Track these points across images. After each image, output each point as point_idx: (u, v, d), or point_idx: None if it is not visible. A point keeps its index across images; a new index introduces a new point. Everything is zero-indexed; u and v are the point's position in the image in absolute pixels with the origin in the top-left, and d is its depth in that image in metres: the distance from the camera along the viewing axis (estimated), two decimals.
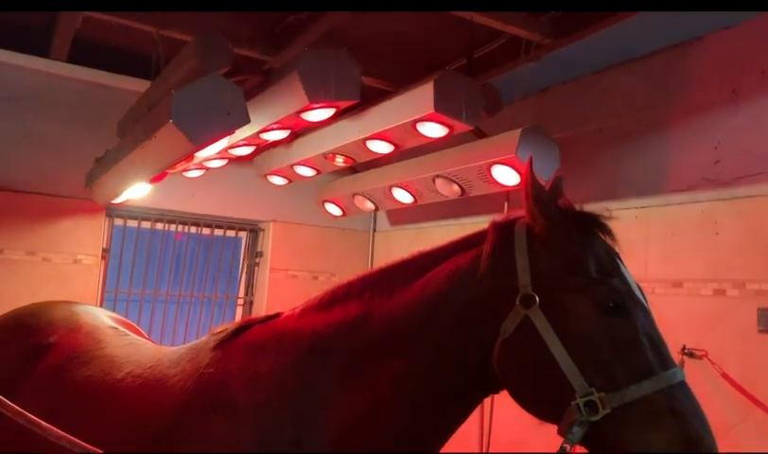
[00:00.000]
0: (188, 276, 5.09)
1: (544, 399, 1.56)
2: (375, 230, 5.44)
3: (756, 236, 2.77)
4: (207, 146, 2.31)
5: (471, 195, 3.41)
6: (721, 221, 2.90)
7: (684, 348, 2.91)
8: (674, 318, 3.02)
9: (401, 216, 5.08)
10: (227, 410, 1.88)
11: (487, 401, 3.53)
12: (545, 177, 2.97)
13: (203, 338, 2.19)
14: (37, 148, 4.17)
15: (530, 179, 1.66)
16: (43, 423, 1.48)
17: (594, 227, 1.66)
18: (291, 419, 1.80)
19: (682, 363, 2.88)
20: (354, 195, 4.18)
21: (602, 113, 3.54)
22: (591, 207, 3.16)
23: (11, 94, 4.08)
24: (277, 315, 2.07)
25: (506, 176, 3.04)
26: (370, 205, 4.19)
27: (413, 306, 1.74)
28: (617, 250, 1.65)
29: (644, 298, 1.61)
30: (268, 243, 5.14)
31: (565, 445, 1.45)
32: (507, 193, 3.52)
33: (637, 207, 3.29)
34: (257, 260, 5.24)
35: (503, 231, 1.70)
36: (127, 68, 4.25)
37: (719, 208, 2.92)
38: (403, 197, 3.81)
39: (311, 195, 4.82)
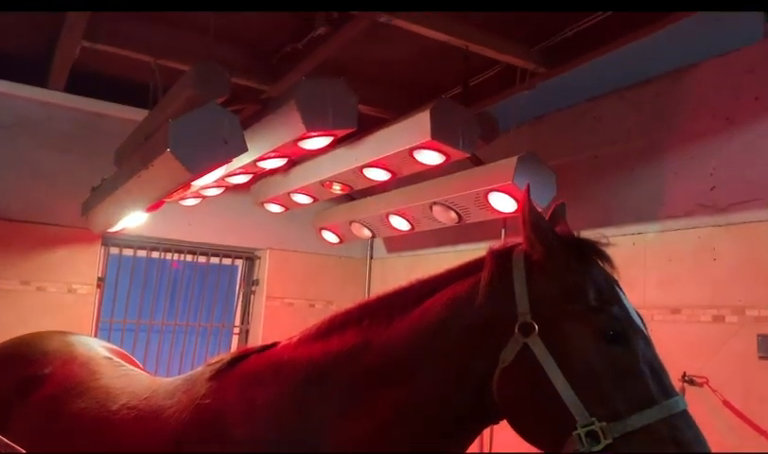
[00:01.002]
0: (184, 305, 5.05)
1: (544, 429, 1.54)
2: (371, 257, 5.43)
3: (754, 262, 2.77)
4: (205, 174, 2.31)
5: (468, 222, 3.41)
6: (718, 247, 2.90)
7: (684, 375, 2.89)
8: (674, 345, 3.01)
9: (398, 243, 5.07)
10: (224, 441, 1.85)
11: (486, 430, 3.51)
12: (542, 204, 2.98)
13: (199, 368, 2.16)
14: (33, 176, 4.17)
15: (527, 206, 1.65)
16: None
17: (592, 254, 1.65)
18: (290, 450, 1.77)
19: (683, 390, 2.86)
20: (351, 222, 4.18)
21: (596, 141, 3.56)
22: (588, 234, 3.15)
23: (8, 122, 4.09)
24: (274, 344, 2.05)
25: (503, 203, 3.04)
26: (367, 233, 4.18)
27: (412, 335, 1.72)
28: (615, 277, 1.64)
29: (644, 326, 1.60)
30: (264, 271, 5.12)
31: None
32: (504, 220, 3.52)
33: (634, 233, 3.29)
34: (253, 288, 5.21)
35: (501, 258, 1.69)
36: (124, 97, 4.27)
37: (716, 234, 2.92)
38: (400, 224, 3.80)
39: (308, 222, 4.81)
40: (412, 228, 3.80)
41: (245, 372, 2.00)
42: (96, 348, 2.71)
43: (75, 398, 2.30)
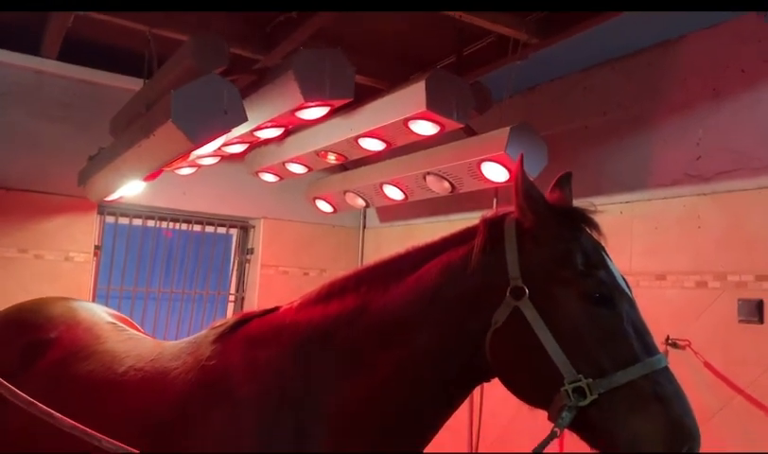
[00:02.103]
0: (180, 273, 5.12)
1: (534, 386, 1.64)
2: (364, 227, 5.51)
3: (736, 230, 2.87)
4: (205, 144, 2.35)
5: (461, 191, 3.48)
6: (703, 216, 3.00)
7: (668, 338, 3.01)
8: (658, 309, 3.12)
9: (391, 213, 5.15)
10: (228, 400, 1.94)
11: (477, 389, 3.63)
12: (533, 173, 3.06)
13: (203, 332, 2.24)
14: (28, 145, 4.18)
15: (520, 175, 1.73)
16: (56, 413, 1.53)
17: (581, 222, 1.73)
18: (291, 408, 1.86)
19: (666, 353, 2.97)
20: (345, 192, 4.24)
21: (587, 111, 3.63)
22: (578, 203, 3.25)
23: (1, 90, 4.09)
24: (275, 309, 2.13)
25: (495, 173, 3.11)
26: (361, 202, 4.25)
27: (408, 300, 1.81)
28: (603, 243, 1.73)
29: (629, 289, 1.69)
30: (258, 240, 5.19)
31: (555, 430, 1.53)
32: (496, 189, 3.59)
33: (622, 202, 3.38)
34: (248, 257, 5.28)
35: (494, 226, 1.77)
36: (118, 66, 4.27)
37: (701, 203, 3.01)
38: (394, 193, 3.87)
39: (301, 192, 4.86)
40: (406, 198, 3.87)
41: (248, 334, 2.08)
42: (99, 313, 2.78)
43: (81, 361, 2.37)
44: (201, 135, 2.22)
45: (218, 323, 2.22)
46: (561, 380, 1.54)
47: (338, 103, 2.67)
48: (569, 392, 1.52)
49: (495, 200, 3.70)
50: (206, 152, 2.93)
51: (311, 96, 2.48)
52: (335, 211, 4.64)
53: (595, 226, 1.76)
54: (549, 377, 1.56)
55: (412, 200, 3.93)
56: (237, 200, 5.05)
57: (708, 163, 3.00)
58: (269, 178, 4.39)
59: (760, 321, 2.72)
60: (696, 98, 3.08)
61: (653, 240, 3.21)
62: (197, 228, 5.10)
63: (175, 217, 4.94)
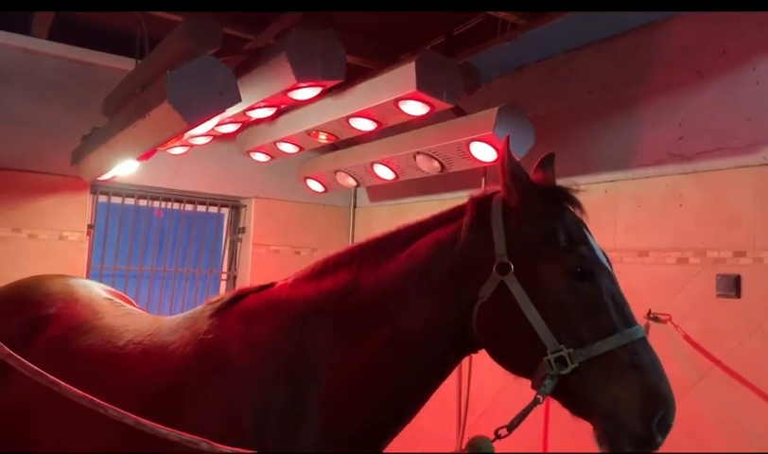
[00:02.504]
0: (172, 252, 5.17)
1: (518, 356, 1.72)
2: (355, 206, 5.57)
3: (715, 208, 2.96)
4: (200, 124, 2.41)
5: (450, 171, 3.55)
6: (684, 194, 3.09)
7: (649, 312, 3.11)
8: (641, 285, 3.22)
9: (381, 192, 5.21)
10: (225, 372, 2.01)
11: (465, 362, 3.73)
12: (520, 154, 3.13)
13: (200, 307, 2.31)
14: (20, 125, 4.18)
15: (506, 155, 1.82)
16: (62, 383, 1.59)
17: (564, 200, 1.81)
18: (286, 380, 1.94)
19: (647, 327, 3.07)
20: (336, 171, 4.30)
21: (574, 92, 3.69)
22: (561, 182, 3.35)
23: None
24: (271, 285, 2.21)
25: (484, 152, 3.18)
26: (352, 182, 4.31)
27: (399, 276, 1.89)
28: (585, 221, 1.81)
29: (609, 264, 1.78)
30: (250, 219, 5.24)
31: (538, 397, 1.62)
32: (484, 169, 3.66)
33: (607, 181, 3.47)
34: (240, 236, 5.34)
35: (481, 205, 1.86)
36: (109, 46, 4.28)
37: (682, 182, 3.10)
38: (384, 173, 3.93)
39: (293, 172, 4.91)
40: (397, 177, 3.93)
41: (244, 309, 2.16)
42: (96, 290, 2.84)
43: (81, 336, 2.43)
44: (197, 115, 2.27)
45: (214, 299, 2.29)
46: (544, 350, 1.63)
47: (329, 84, 2.72)
48: (551, 361, 1.61)
49: (483, 180, 3.77)
50: (200, 132, 2.98)
51: (303, 76, 2.53)
52: (326, 190, 4.70)
53: (578, 204, 1.84)
54: (532, 348, 1.65)
55: (402, 180, 4.00)
56: (229, 180, 5.09)
57: (690, 143, 3.09)
58: (260, 157, 4.44)
59: (737, 295, 2.83)
60: (680, 80, 3.16)
61: (636, 218, 3.30)
62: (189, 207, 5.14)
63: (167, 196, 4.99)
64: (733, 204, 2.89)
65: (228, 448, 1.60)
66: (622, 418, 1.55)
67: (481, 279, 1.75)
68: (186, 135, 3.04)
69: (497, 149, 3.11)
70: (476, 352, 1.89)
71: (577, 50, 3.78)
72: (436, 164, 3.49)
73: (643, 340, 1.65)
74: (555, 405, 1.70)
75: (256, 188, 5.20)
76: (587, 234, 1.78)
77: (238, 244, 5.35)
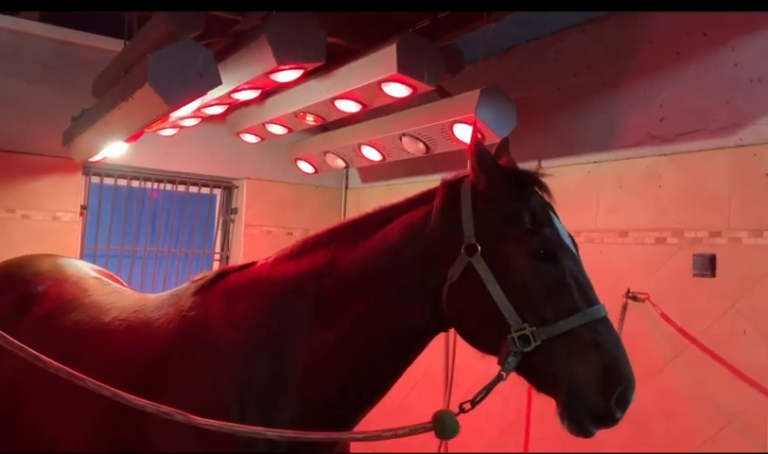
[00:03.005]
0: (165, 232, 5.23)
1: (484, 334, 1.79)
2: (347, 187, 5.62)
3: (693, 188, 3.01)
4: (182, 106, 2.45)
5: (435, 152, 3.59)
6: (663, 175, 3.14)
7: (628, 292, 3.17)
8: (620, 264, 3.28)
9: (372, 173, 5.26)
10: (207, 348, 2.08)
11: (450, 345, 3.79)
12: (503, 134, 3.17)
13: (184, 285, 2.38)
14: (11, 107, 4.22)
15: (474, 141, 1.87)
16: (43, 356, 1.66)
17: (531, 183, 1.87)
18: (266, 355, 2.01)
19: (626, 305, 3.14)
20: (325, 153, 4.34)
21: (560, 73, 3.72)
22: (548, 163, 3.42)
23: None
24: (252, 264, 2.27)
25: (467, 134, 3.22)
26: (340, 163, 4.35)
27: (374, 256, 1.95)
28: (551, 204, 1.86)
29: (575, 246, 1.83)
30: (242, 200, 5.29)
31: (501, 373, 1.68)
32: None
33: (590, 162, 3.51)
34: (232, 216, 5.39)
35: (452, 188, 1.91)
36: (97, 27, 4.29)
37: (661, 163, 3.15)
38: (372, 154, 3.98)
39: (284, 153, 4.95)
40: (384, 158, 3.97)
41: (226, 287, 2.22)
42: (84, 269, 2.91)
43: (69, 313, 2.50)
44: (178, 98, 2.32)
45: (198, 277, 2.36)
46: (508, 329, 1.68)
47: (310, 66, 2.75)
48: (515, 339, 1.66)
49: (469, 161, 3.80)
50: (185, 114, 3.02)
51: (284, 59, 2.56)
52: (316, 172, 4.74)
53: (544, 187, 1.90)
54: (497, 326, 1.70)
55: (391, 161, 4.04)
56: (221, 161, 5.14)
57: (670, 124, 3.13)
58: (250, 139, 4.48)
59: (712, 274, 2.88)
60: (661, 61, 3.19)
61: (617, 199, 3.35)
62: (181, 188, 5.19)
63: (159, 177, 5.04)
64: (710, 185, 2.94)
65: (201, 420, 1.67)
66: (583, 394, 1.61)
67: (451, 260, 1.80)
68: (174, 117, 3.08)
69: (480, 131, 3.15)
70: (447, 330, 1.95)
71: (564, 31, 3.79)
72: (421, 145, 3.53)
73: (605, 320, 1.70)
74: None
75: (248, 169, 5.24)
76: (553, 216, 1.83)
77: (231, 225, 5.41)
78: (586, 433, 1.65)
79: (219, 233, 5.46)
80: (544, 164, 3.74)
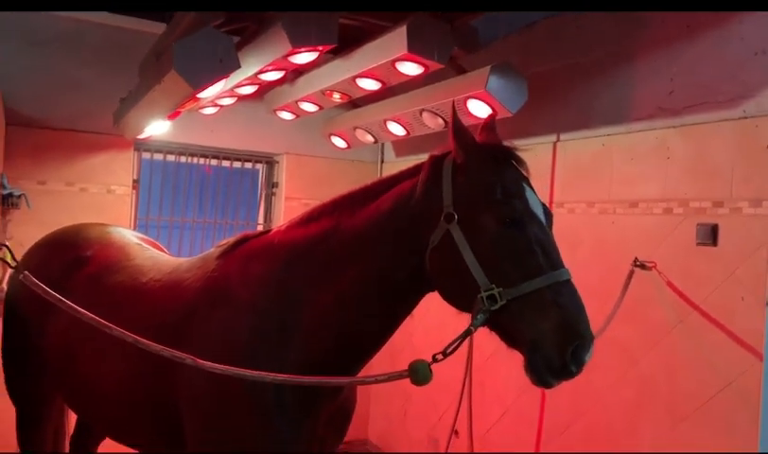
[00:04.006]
0: (212, 205, 5.60)
1: (459, 294, 1.98)
2: (382, 161, 5.83)
3: (699, 159, 3.08)
4: (205, 89, 2.71)
5: None
6: (671, 147, 3.20)
7: (636, 260, 3.27)
8: (630, 234, 3.39)
9: (405, 147, 5.45)
10: (226, 303, 2.37)
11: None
12: (513, 109, 3.31)
13: (211, 249, 2.68)
14: (69, 89, 4.60)
15: (453, 120, 2.06)
16: (79, 308, 1.97)
17: (506, 158, 2.04)
18: (277, 309, 2.28)
19: (632, 273, 3.25)
20: (355, 128, 4.56)
21: (578, 48, 3.79)
22: (566, 136, 3.57)
23: (44, 39, 4.49)
24: (268, 231, 2.54)
25: (480, 109, 3.37)
26: (370, 138, 4.56)
27: (368, 223, 2.18)
28: (527, 177, 2.02)
29: (547, 216, 1.99)
30: (282, 174, 5.59)
31: (470, 328, 1.88)
32: (492, 119, 3.83)
33: (604, 135, 3.59)
34: (274, 190, 5.70)
35: (436, 163, 2.11)
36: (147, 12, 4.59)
37: (670, 135, 3.21)
38: (397, 129, 4.17)
39: (319, 129, 5.20)
40: (408, 133, 4.16)
41: (245, 251, 2.50)
42: (128, 236, 3.25)
43: (113, 274, 2.84)
44: (200, 81, 2.57)
45: (222, 243, 2.66)
46: (478, 289, 1.87)
47: (325, 48, 2.96)
48: (484, 298, 1.85)
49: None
50: (216, 94, 3.28)
51: (298, 43, 2.78)
52: (349, 146, 4.97)
53: (520, 161, 2.06)
54: (469, 287, 1.90)
55: (415, 135, 4.22)
56: (262, 138, 5.44)
57: (679, 97, 3.18)
58: (286, 116, 4.73)
59: (714, 243, 2.96)
60: (672, 36, 3.23)
61: (629, 170, 3.44)
62: (225, 163, 5.52)
63: (205, 153, 5.37)
64: (714, 156, 3.00)
65: (209, 364, 1.95)
66: (542, 350, 1.79)
67: (432, 227, 2.01)
68: (207, 97, 3.34)
69: (491, 106, 3.29)
70: (432, 291, 2.15)
71: None
72: (440, 120, 3.70)
73: (567, 283, 1.86)
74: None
75: (287, 145, 5.52)
76: (525, 188, 1.99)
77: (272, 198, 5.73)
78: (546, 384, 1.83)
79: (262, 205, 5.79)
80: (562, 136, 3.89)
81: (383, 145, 5.70)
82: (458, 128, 2.03)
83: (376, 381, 2.01)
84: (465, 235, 1.93)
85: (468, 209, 1.95)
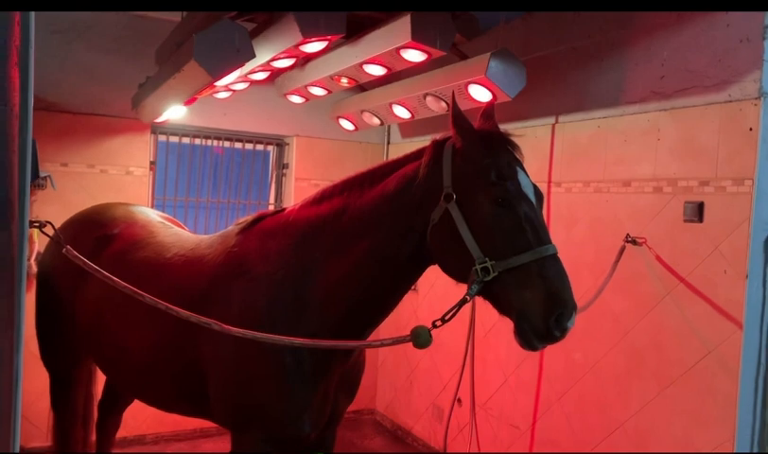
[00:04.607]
0: (225, 185, 5.82)
1: (457, 267, 2.19)
2: (389, 142, 6.02)
3: (687, 140, 3.25)
4: (223, 77, 2.91)
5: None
6: (662, 129, 3.38)
7: (627, 236, 3.47)
8: (623, 212, 3.58)
9: (410, 129, 5.63)
10: (246, 277, 2.59)
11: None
12: (511, 94, 3.49)
13: (231, 227, 2.90)
14: (89, 75, 4.80)
15: (453, 107, 2.25)
16: (114, 277, 2.19)
17: (501, 144, 2.23)
18: (291, 282, 2.50)
19: (623, 248, 3.45)
20: (362, 111, 4.74)
21: (577, 34, 3.94)
22: (564, 118, 3.75)
23: (63, 28, 4.68)
24: (283, 209, 2.76)
25: (481, 94, 3.55)
26: (376, 120, 4.75)
27: (376, 202, 2.39)
28: (520, 160, 2.21)
29: (538, 197, 2.19)
30: (292, 155, 5.79)
31: (466, 297, 2.09)
32: (492, 107, 4.01)
33: (600, 118, 3.77)
34: (284, 171, 5.91)
35: (438, 147, 2.31)
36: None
37: (661, 118, 3.39)
38: (402, 113, 4.35)
39: (327, 112, 5.39)
40: (412, 116, 4.34)
41: (262, 229, 2.72)
42: (151, 215, 3.48)
43: (138, 250, 3.07)
44: (218, 70, 2.77)
45: (241, 220, 2.88)
46: (473, 262, 2.08)
47: (333, 38, 3.15)
48: (478, 270, 2.06)
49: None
50: (232, 80, 3.48)
51: (308, 33, 2.96)
52: (356, 129, 5.16)
53: (514, 146, 2.25)
54: (465, 260, 2.11)
55: (419, 118, 4.41)
56: (273, 120, 5.63)
57: (670, 81, 3.35)
58: (296, 99, 4.93)
59: (700, 220, 3.15)
60: (663, 22, 3.39)
61: (622, 151, 3.62)
62: (238, 145, 5.73)
63: (218, 135, 5.58)
64: (701, 138, 3.17)
65: (234, 329, 2.18)
66: (529, 316, 2.00)
67: (433, 205, 2.21)
68: (223, 83, 3.54)
69: (491, 91, 3.47)
70: (431, 264, 2.36)
71: None
72: (443, 104, 3.88)
73: (553, 257, 2.06)
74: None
75: (297, 127, 5.72)
76: (518, 171, 2.18)
77: (283, 178, 5.94)
78: (533, 347, 2.04)
79: (273, 185, 6.00)
80: (561, 119, 4.07)
81: (389, 127, 5.89)
82: (457, 115, 2.23)
83: (382, 345, 2.23)
84: (463, 213, 2.13)
85: (465, 190, 2.15)
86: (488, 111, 2.41)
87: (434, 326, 2.14)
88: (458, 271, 2.19)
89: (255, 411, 2.49)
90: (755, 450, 3.02)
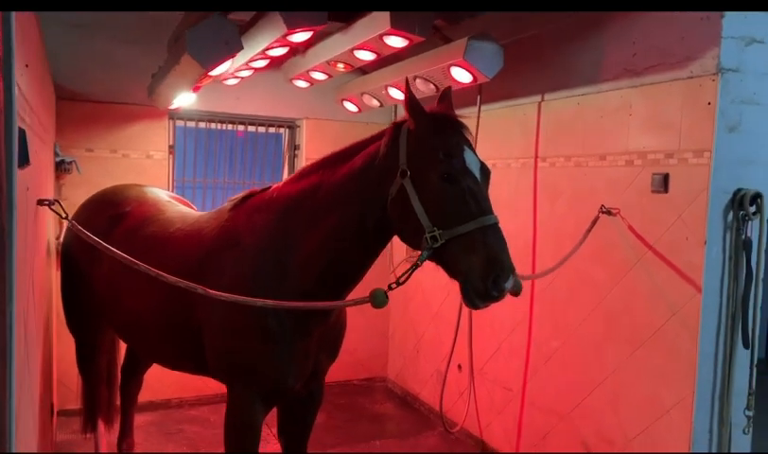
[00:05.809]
0: (240, 166, 6.16)
1: (410, 235, 2.45)
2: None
3: (655, 116, 3.42)
4: (215, 68, 3.20)
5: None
6: (633, 105, 3.55)
7: (602, 207, 3.66)
8: (599, 184, 3.77)
9: None
10: (236, 247, 2.90)
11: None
12: (490, 75, 3.70)
13: (225, 203, 3.21)
14: (109, 65, 5.15)
15: (407, 92, 2.49)
16: (118, 251, 2.51)
17: (450, 125, 2.46)
18: (275, 251, 2.80)
19: (597, 218, 3.65)
20: (362, 94, 5.00)
21: (559, 15, 4.10)
22: (547, 97, 3.96)
23: (86, 21, 5.03)
24: (269, 187, 3.05)
25: (462, 75, 3.76)
26: (375, 102, 5.00)
27: (345, 178, 2.66)
28: (469, 140, 2.45)
29: (485, 172, 2.42)
30: (303, 137, 6.09)
31: (417, 262, 2.35)
32: (480, 86, 4.22)
33: (579, 95, 3.95)
34: (296, 152, 6.22)
35: (396, 128, 2.57)
36: None
37: (632, 94, 3.55)
38: (397, 95, 4.59)
39: (333, 95, 5.66)
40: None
41: (251, 205, 3.03)
42: (161, 194, 3.82)
43: (147, 227, 3.41)
44: (210, 62, 3.07)
45: (233, 198, 3.18)
46: (424, 231, 2.33)
47: (318, 28, 3.40)
48: (428, 238, 2.32)
49: (479, 97, 4.34)
50: (226, 69, 3.77)
51: (292, 25, 3.23)
52: (359, 110, 5.41)
53: (461, 126, 2.48)
54: (417, 230, 2.37)
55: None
56: (284, 104, 5.93)
57: (640, 59, 3.51)
58: (301, 84, 5.20)
59: (666, 191, 3.32)
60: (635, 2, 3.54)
61: (599, 127, 3.79)
62: (251, 128, 6.05)
63: (233, 119, 5.91)
64: (667, 113, 3.34)
65: (215, 293, 2.49)
66: (471, 278, 2.24)
67: (391, 181, 2.47)
68: (222, 71, 3.83)
69: (470, 72, 3.68)
70: (393, 235, 2.61)
71: None
72: (432, 86, 4.11)
73: (494, 226, 2.30)
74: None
75: (307, 110, 6.01)
76: (465, 149, 2.41)
77: (295, 159, 6.24)
78: (475, 306, 2.28)
79: (286, 166, 6.32)
80: (546, 97, 4.27)
81: (396, 107, 6.12)
82: (411, 100, 2.47)
83: (346, 305, 2.52)
84: (415, 187, 2.38)
85: (418, 167, 2.40)
86: (445, 93, 2.65)
87: (390, 288, 2.40)
88: (412, 240, 2.45)
89: (244, 368, 2.81)
90: (715, 405, 3.21)
